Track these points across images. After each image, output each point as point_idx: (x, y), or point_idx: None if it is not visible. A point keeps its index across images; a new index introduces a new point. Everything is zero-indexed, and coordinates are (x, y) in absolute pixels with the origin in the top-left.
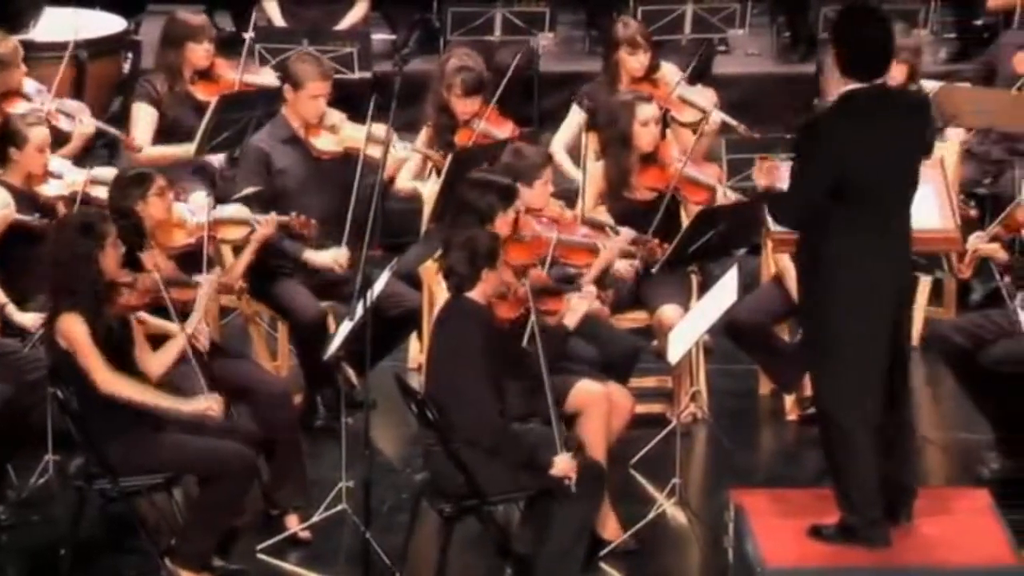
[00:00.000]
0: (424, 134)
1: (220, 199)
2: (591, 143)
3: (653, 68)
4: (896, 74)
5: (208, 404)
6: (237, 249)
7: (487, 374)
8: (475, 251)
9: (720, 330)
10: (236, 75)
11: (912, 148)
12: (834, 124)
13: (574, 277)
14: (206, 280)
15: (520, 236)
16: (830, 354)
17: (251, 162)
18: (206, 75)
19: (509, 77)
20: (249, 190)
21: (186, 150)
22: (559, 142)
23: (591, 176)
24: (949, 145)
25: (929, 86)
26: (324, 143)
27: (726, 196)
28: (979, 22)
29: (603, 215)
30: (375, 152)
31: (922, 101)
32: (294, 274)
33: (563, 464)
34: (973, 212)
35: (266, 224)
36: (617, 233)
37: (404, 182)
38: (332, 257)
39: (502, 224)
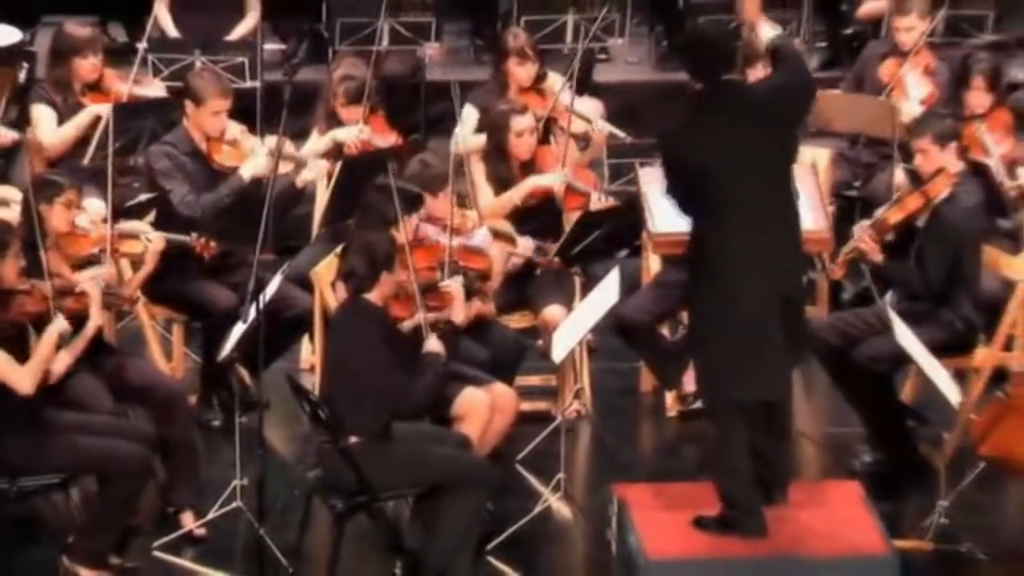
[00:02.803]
0: (315, 138)
1: (117, 206)
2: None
3: (540, 78)
4: (759, 76)
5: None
6: (136, 263)
7: (385, 370)
8: (374, 255)
9: (608, 328)
10: (125, 87)
11: (774, 134)
12: (685, 130)
13: (477, 288)
14: (90, 283)
15: (420, 241)
16: (704, 343)
17: (174, 166)
18: (96, 87)
19: (396, 86)
20: (143, 197)
21: (91, 113)
22: (463, 137)
23: (479, 174)
24: (821, 150)
25: None
26: (225, 157)
27: (601, 201)
28: (849, 31)
29: (504, 225)
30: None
31: (781, 85)
32: (198, 275)
33: (433, 344)
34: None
35: (157, 240)
36: (514, 243)
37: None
38: (264, 163)
39: (405, 229)
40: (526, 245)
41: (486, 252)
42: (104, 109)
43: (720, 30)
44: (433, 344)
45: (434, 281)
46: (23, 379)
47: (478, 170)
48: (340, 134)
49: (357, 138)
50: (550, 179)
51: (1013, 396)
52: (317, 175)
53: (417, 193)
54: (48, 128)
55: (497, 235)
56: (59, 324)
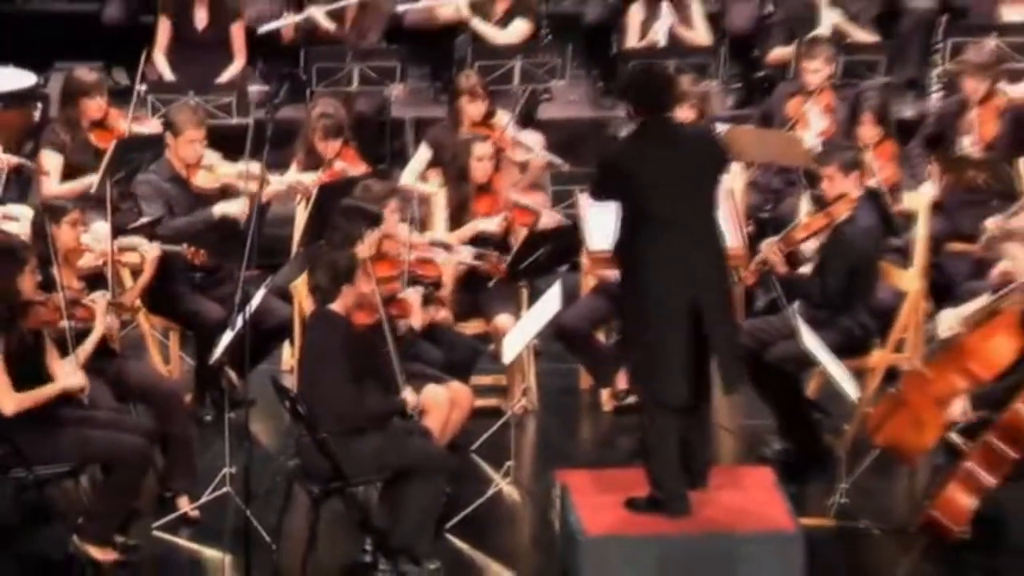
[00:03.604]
0: (295, 168)
1: (118, 228)
2: (434, 176)
3: (490, 114)
4: (687, 116)
5: (80, 384)
6: (136, 273)
7: (348, 372)
8: (336, 270)
9: (551, 334)
10: (126, 124)
11: (699, 169)
12: (624, 155)
13: (435, 298)
14: (98, 302)
15: (382, 254)
16: (633, 349)
17: (154, 191)
18: (101, 124)
19: (365, 122)
20: (144, 220)
21: (86, 183)
22: (412, 173)
23: (437, 203)
24: (735, 177)
25: (719, 128)
26: (203, 180)
27: (551, 216)
28: (760, 74)
29: (449, 238)
30: (248, 187)
31: (706, 132)
32: (191, 290)
33: (410, 397)
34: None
35: (153, 249)
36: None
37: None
38: (238, 207)
39: (368, 244)
40: (469, 252)
41: (437, 261)
42: (95, 179)
43: (661, 73)
44: (409, 395)
45: (395, 292)
46: (8, 404)
47: (436, 201)
48: (303, 178)
49: (318, 180)
50: (492, 223)
51: (903, 392)
52: (280, 191)
53: (375, 212)
54: (52, 178)
55: (442, 246)
56: (75, 380)
